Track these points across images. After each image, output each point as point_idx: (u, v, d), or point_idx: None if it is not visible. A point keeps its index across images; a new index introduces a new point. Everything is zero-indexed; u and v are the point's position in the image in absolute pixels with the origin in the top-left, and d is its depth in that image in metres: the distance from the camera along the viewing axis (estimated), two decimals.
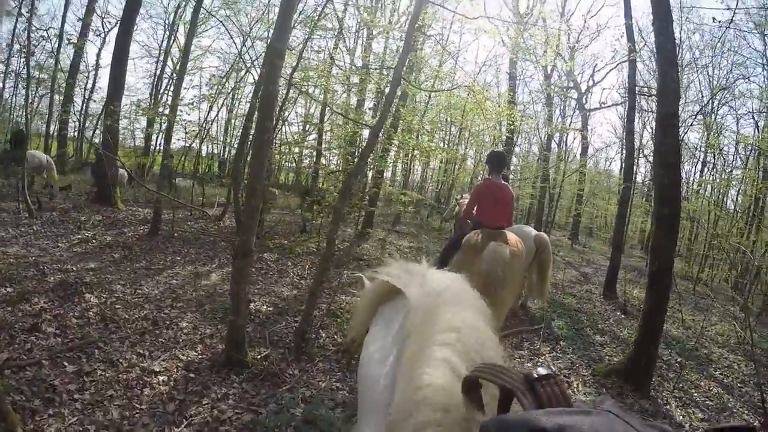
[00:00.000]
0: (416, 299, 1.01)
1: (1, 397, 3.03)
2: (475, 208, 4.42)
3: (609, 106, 19.54)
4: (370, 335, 1.21)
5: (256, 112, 5.17)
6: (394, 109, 8.14)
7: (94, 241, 7.38)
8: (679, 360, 5.41)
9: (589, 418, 0.48)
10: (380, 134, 5.42)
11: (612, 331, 6.12)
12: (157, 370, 3.76)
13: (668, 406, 4.24)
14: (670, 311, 6.62)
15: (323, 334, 4.71)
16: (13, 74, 15.44)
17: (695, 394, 4.62)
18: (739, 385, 5.15)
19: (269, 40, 5.25)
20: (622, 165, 11.60)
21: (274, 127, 6.39)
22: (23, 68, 10.85)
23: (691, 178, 19.02)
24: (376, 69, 10.51)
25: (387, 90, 5.57)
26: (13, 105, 18.57)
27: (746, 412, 4.43)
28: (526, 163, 20.33)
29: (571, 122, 19.08)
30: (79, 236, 7.51)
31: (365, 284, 1.37)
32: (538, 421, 0.49)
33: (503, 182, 4.48)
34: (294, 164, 15.20)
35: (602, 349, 5.34)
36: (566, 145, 20.84)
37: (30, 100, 10.35)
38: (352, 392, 3.56)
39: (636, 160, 14.70)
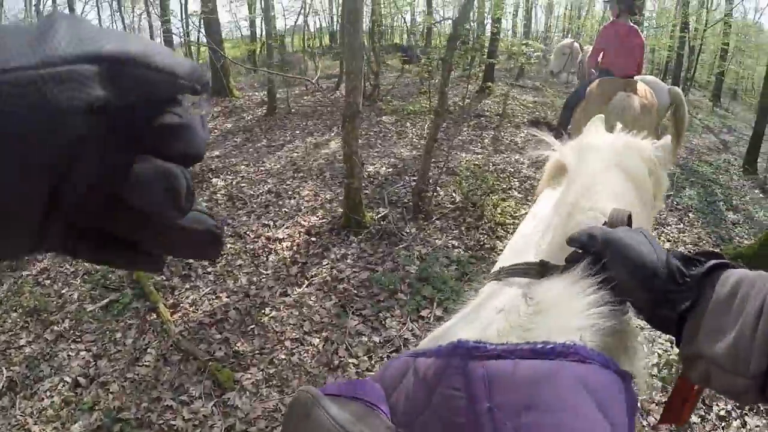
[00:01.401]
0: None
1: (144, 281, 3.35)
2: (601, 54, 4.08)
3: None
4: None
5: None
6: None
7: (216, 130, 7.72)
8: None
9: None
10: None
11: (747, 210, 5.33)
12: (281, 237, 3.95)
13: None
14: None
15: (441, 192, 4.59)
16: None
17: None
18: None
19: None
20: None
21: None
22: None
23: None
24: None
25: None
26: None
27: None
28: (663, 6, 16.96)
29: None
30: None
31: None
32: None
33: (633, 25, 4.06)
34: (407, 24, 14.15)
35: (734, 229, 4.77)
36: None
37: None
38: (467, 250, 3.56)
39: None
